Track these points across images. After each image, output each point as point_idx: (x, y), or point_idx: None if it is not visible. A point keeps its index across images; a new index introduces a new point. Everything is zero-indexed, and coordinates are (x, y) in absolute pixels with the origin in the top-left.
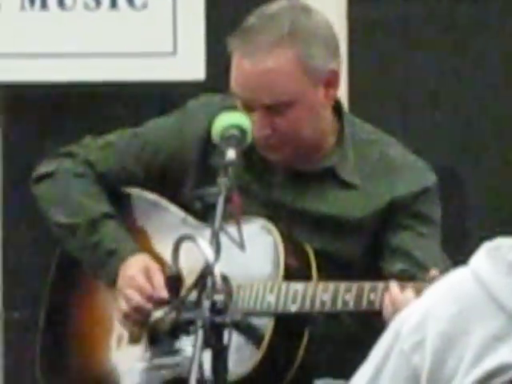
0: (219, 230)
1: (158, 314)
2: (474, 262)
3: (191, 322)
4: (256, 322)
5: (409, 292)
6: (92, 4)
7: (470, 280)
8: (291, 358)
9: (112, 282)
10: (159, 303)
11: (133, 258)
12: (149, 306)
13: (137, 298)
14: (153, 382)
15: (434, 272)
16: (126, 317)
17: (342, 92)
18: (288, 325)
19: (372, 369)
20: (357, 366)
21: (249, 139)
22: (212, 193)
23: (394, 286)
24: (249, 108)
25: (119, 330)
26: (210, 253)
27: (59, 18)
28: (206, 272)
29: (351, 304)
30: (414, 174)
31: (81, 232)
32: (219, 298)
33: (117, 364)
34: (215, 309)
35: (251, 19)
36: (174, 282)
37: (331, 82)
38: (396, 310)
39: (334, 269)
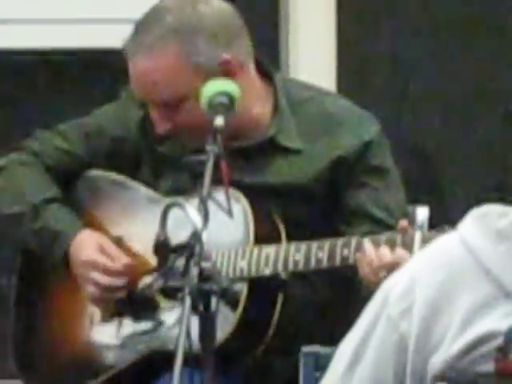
0: (206, 197)
1: (145, 280)
2: (461, 228)
3: (178, 289)
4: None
5: (383, 248)
6: None
7: (457, 247)
8: (266, 322)
9: (62, 265)
10: (127, 272)
11: (78, 237)
12: (117, 281)
13: (104, 279)
14: (127, 357)
15: (403, 223)
16: (99, 299)
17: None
18: (261, 290)
19: (359, 335)
20: (339, 332)
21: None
22: (200, 160)
23: (367, 243)
24: (147, 104)
25: (90, 310)
26: (198, 220)
27: None
28: (194, 239)
29: (325, 261)
30: (353, 128)
31: (25, 220)
32: (207, 265)
33: (94, 343)
34: (203, 276)
35: (140, 18)
36: (162, 248)
37: (228, 71)
38: (373, 268)
39: (293, 237)
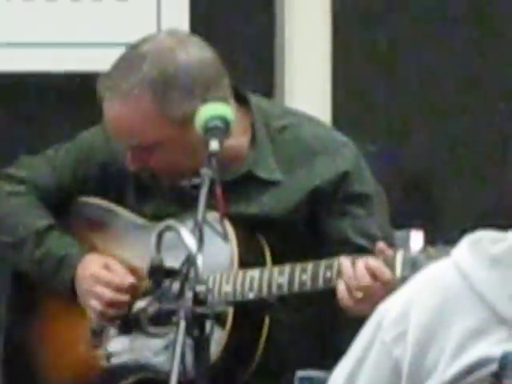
0: (202, 222)
1: (140, 304)
2: (455, 254)
3: (173, 313)
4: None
5: (360, 265)
6: None
7: (451, 272)
8: (253, 345)
9: (67, 289)
10: (130, 291)
11: (86, 259)
12: (121, 297)
13: (108, 293)
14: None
15: (380, 244)
16: (102, 314)
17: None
18: (247, 313)
19: (354, 360)
20: (328, 354)
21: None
22: (195, 184)
23: (345, 261)
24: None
25: (85, 335)
26: (192, 243)
27: (45, 9)
28: (189, 263)
29: (308, 284)
30: (330, 158)
31: (27, 247)
32: (201, 288)
33: (85, 368)
34: (197, 299)
35: (117, 60)
36: (156, 272)
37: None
38: (348, 285)
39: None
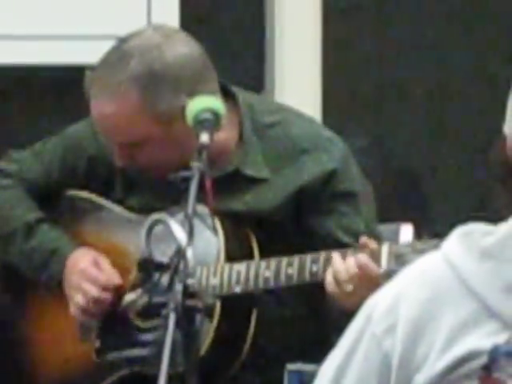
0: (192, 215)
1: (129, 297)
2: (445, 247)
3: (163, 306)
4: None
5: (349, 259)
6: None
7: (441, 265)
8: (242, 337)
9: (56, 281)
10: (116, 290)
11: (76, 252)
12: (105, 295)
13: (93, 291)
14: (106, 377)
15: (363, 239)
16: (84, 310)
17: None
18: (234, 306)
19: (343, 352)
20: (316, 348)
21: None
22: (185, 177)
23: (336, 256)
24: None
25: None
26: (182, 236)
27: (34, 1)
28: (179, 256)
29: (295, 277)
30: (317, 156)
31: (16, 240)
32: (191, 281)
33: (73, 362)
34: (187, 292)
35: (104, 56)
36: (146, 265)
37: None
38: (339, 281)
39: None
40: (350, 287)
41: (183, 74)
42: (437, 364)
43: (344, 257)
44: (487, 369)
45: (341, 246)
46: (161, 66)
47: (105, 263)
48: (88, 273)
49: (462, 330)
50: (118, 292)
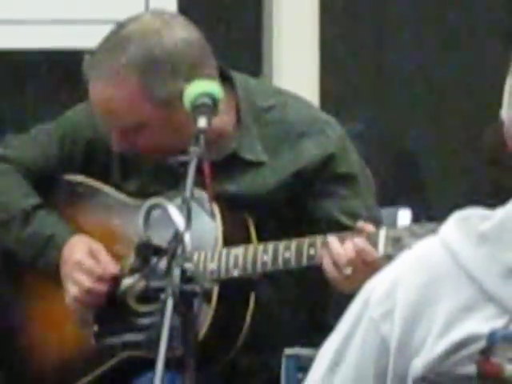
0: (190, 199)
1: (127, 281)
2: (443, 231)
3: (161, 290)
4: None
5: (347, 243)
6: None
7: (439, 250)
8: (239, 322)
9: (53, 268)
10: (111, 281)
11: (72, 240)
12: (101, 287)
13: (87, 282)
14: (104, 361)
15: (360, 224)
16: (78, 301)
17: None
18: (232, 290)
19: (341, 336)
20: (315, 332)
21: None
22: (183, 161)
23: (333, 240)
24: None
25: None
26: (180, 221)
27: None
28: (177, 240)
29: (292, 261)
30: (316, 139)
31: (14, 225)
32: (189, 266)
33: (72, 347)
34: (185, 277)
35: (103, 41)
36: (144, 249)
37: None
38: (338, 265)
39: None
40: (348, 270)
41: (182, 58)
42: (435, 348)
43: (342, 240)
44: (485, 353)
45: (342, 228)
46: (160, 51)
47: (101, 252)
48: (83, 263)
49: (460, 314)
50: (115, 278)
